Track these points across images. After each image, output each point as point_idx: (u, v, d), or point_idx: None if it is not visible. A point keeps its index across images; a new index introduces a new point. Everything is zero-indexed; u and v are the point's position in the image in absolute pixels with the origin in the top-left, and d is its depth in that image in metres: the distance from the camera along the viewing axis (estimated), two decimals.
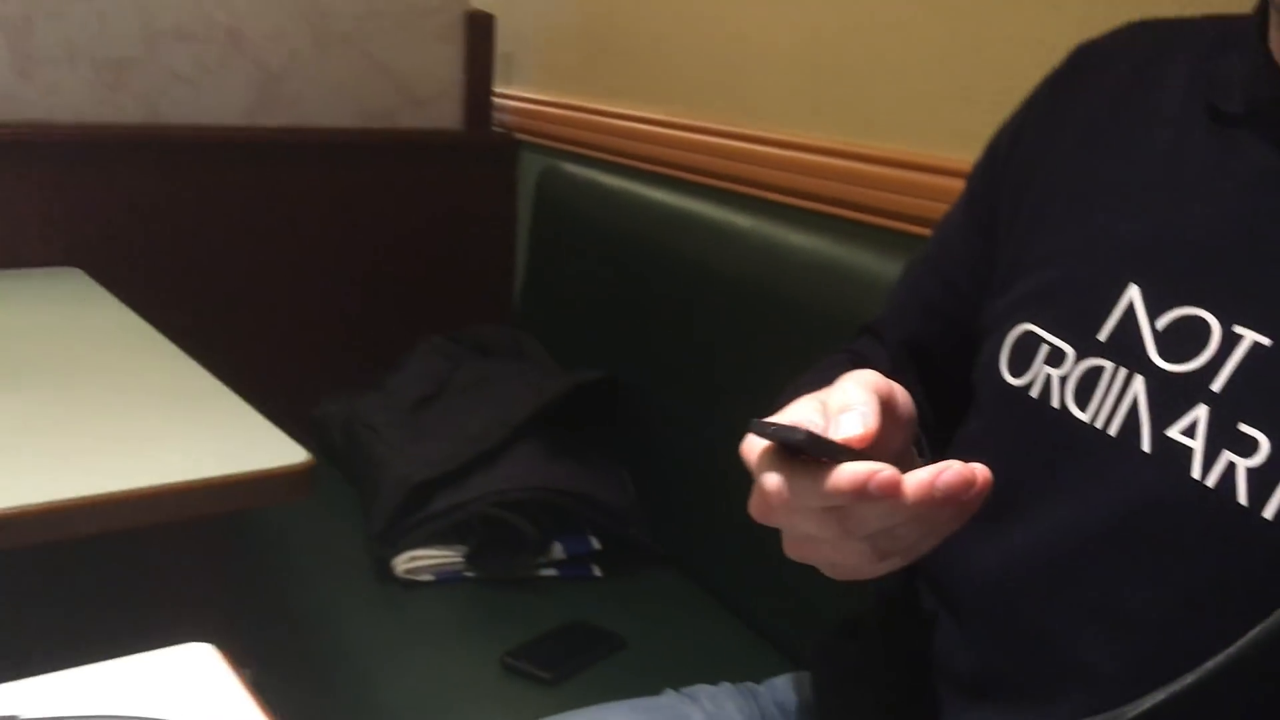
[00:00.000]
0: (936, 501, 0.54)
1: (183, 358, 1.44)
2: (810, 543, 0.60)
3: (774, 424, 0.59)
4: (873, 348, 0.95)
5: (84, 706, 0.66)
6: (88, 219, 1.89)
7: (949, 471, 0.55)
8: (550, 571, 1.54)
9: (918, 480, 0.54)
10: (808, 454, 0.57)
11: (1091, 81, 0.80)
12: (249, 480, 1.12)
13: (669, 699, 1.00)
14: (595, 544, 1.55)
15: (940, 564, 0.75)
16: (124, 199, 1.91)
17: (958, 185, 0.95)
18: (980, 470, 0.55)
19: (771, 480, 0.58)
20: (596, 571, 1.56)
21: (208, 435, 1.21)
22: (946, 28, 1.39)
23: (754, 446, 0.61)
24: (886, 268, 1.36)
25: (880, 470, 0.54)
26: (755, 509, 0.60)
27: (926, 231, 1.37)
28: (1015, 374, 0.75)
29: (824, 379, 0.67)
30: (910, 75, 1.45)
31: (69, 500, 0.98)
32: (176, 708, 0.68)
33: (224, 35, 1.98)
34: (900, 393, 0.66)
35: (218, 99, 2.00)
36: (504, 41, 2.24)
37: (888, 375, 0.66)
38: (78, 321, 1.60)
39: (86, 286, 1.75)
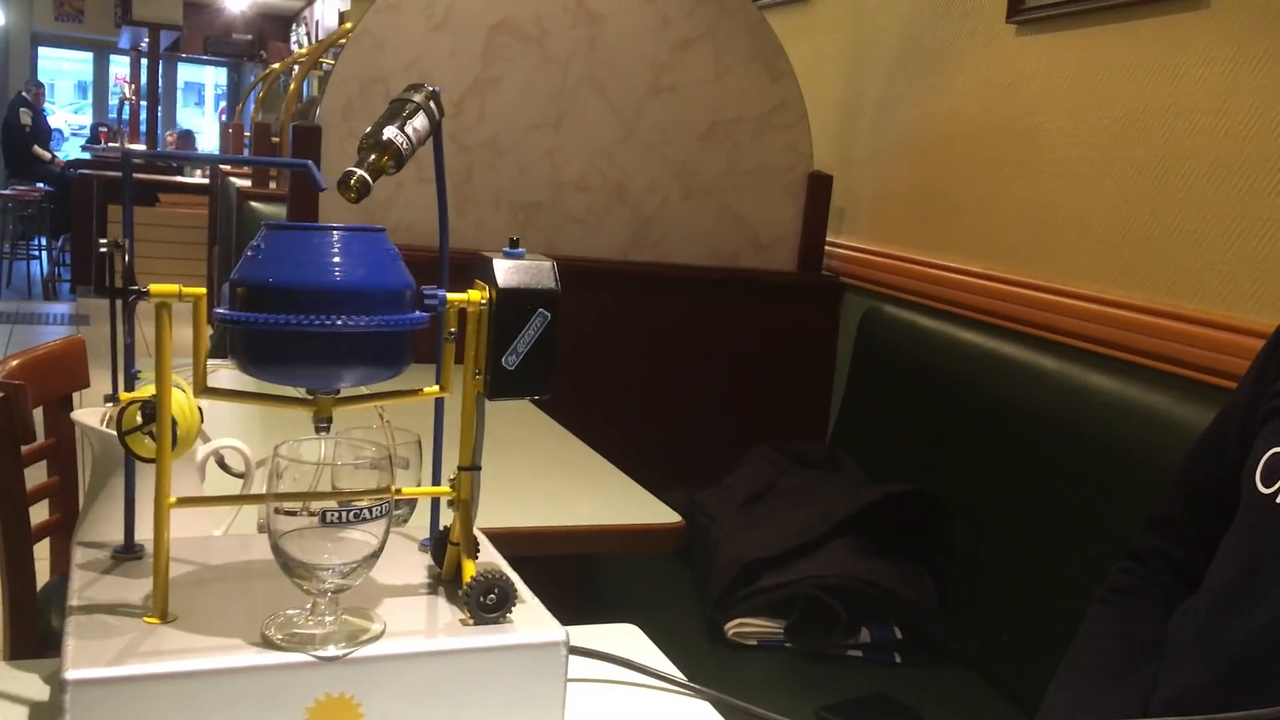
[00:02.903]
0: None
1: (573, 439, 1.82)
2: None
3: None
4: (1141, 602, 1.16)
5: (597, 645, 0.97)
6: None
7: None
8: (856, 653, 1.77)
9: None
10: None
11: None
12: (638, 531, 1.45)
13: None
14: (898, 634, 1.78)
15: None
16: None
17: (1253, 344, 1.15)
18: None
19: None
20: (897, 659, 1.78)
21: (602, 496, 1.56)
22: (1244, 207, 1.59)
23: None
24: (1182, 411, 1.55)
25: None
26: None
27: (1221, 382, 1.56)
28: (1266, 485, 0.95)
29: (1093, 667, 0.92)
30: (1213, 245, 1.64)
31: (534, 528, 1.34)
32: (641, 657, 0.99)
33: (612, 187, 2.43)
34: None
35: (601, 237, 2.45)
36: (838, 197, 2.58)
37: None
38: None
39: None
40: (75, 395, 1.76)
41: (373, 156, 0.75)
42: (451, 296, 0.76)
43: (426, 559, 0.86)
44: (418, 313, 0.74)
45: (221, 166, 5.62)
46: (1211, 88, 1.65)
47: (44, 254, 8.50)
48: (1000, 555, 1.78)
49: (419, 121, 0.77)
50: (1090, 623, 1.18)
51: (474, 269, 0.80)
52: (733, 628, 1.77)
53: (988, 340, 1.97)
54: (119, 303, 0.72)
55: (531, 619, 0.77)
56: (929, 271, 2.28)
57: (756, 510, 2.01)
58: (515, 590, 0.76)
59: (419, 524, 0.94)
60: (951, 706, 1.68)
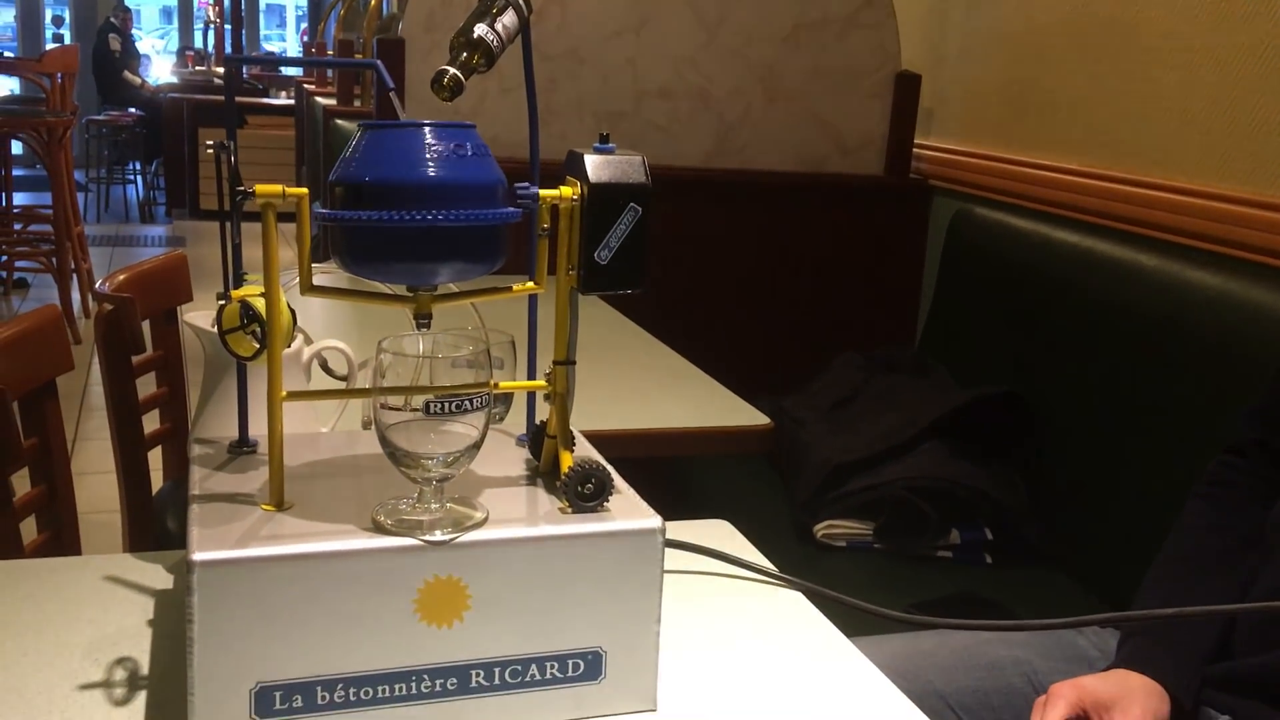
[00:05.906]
0: None
1: (660, 345, 1.83)
2: None
3: None
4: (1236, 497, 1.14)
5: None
6: None
7: None
8: (946, 554, 1.78)
9: None
10: None
11: None
12: (729, 433, 1.46)
13: (1062, 633, 1.23)
14: (988, 535, 1.78)
15: None
16: None
17: None
18: None
19: None
20: (987, 559, 1.78)
21: (691, 400, 1.58)
22: None
23: None
24: None
25: None
26: None
27: None
28: None
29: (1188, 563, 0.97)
30: None
31: (625, 430, 1.36)
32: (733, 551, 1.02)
33: (695, 93, 2.40)
34: None
35: (685, 145, 2.43)
36: (927, 98, 2.52)
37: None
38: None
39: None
40: (179, 310, 1.82)
41: (464, 55, 0.75)
42: (544, 193, 0.77)
43: (524, 453, 0.89)
44: (510, 208, 0.75)
45: (306, 86, 5.69)
46: None
47: (139, 178, 8.72)
48: (1094, 456, 1.76)
49: (508, 19, 0.78)
50: (1187, 516, 1.17)
51: (565, 165, 0.80)
52: (822, 529, 1.79)
53: (1084, 239, 1.92)
54: (228, 202, 0.74)
55: (628, 508, 0.79)
56: (1022, 170, 2.22)
57: (844, 414, 2.01)
58: (612, 480, 0.78)
59: (515, 422, 0.96)
60: (1042, 607, 1.68)
